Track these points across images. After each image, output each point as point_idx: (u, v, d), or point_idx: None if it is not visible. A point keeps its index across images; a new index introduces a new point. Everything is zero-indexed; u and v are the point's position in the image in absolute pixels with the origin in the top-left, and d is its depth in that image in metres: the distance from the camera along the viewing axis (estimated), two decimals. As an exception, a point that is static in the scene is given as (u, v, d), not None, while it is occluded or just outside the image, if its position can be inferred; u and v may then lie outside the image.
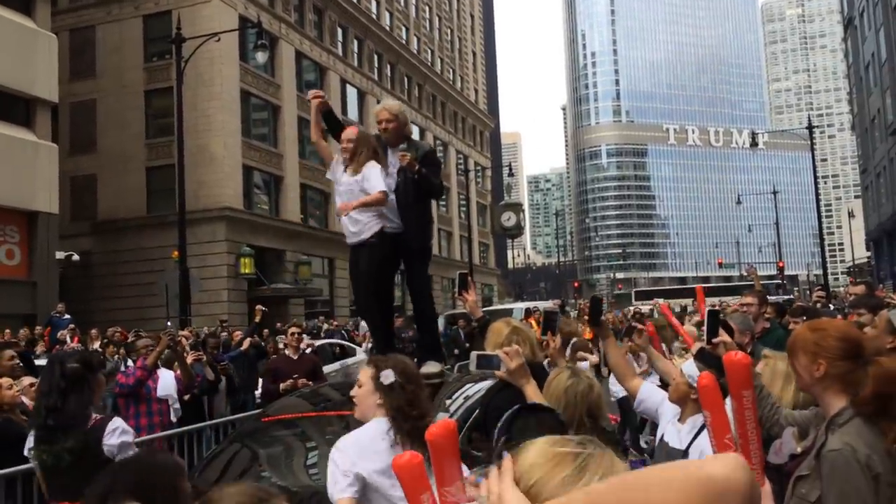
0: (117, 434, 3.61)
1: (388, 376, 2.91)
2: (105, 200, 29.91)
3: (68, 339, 15.08)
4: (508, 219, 45.17)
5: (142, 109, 30.04)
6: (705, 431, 2.87)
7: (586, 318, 4.57)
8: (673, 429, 3.24)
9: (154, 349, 6.36)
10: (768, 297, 7.38)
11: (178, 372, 6.64)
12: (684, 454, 2.43)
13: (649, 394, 3.46)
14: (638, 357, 9.99)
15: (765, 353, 3.62)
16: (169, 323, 14.86)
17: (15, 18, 21.71)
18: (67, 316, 17.44)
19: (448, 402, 4.15)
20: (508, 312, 21.07)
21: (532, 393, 2.94)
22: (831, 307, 13.32)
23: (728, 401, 2.55)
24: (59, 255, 23.62)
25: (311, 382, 7.37)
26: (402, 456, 1.96)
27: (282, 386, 7.39)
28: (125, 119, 29.76)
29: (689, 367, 3.16)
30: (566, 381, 2.79)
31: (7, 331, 14.66)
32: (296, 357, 8.12)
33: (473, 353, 3.11)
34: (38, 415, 3.65)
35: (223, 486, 1.93)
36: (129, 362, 8.38)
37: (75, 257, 25.82)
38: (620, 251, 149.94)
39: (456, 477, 2.03)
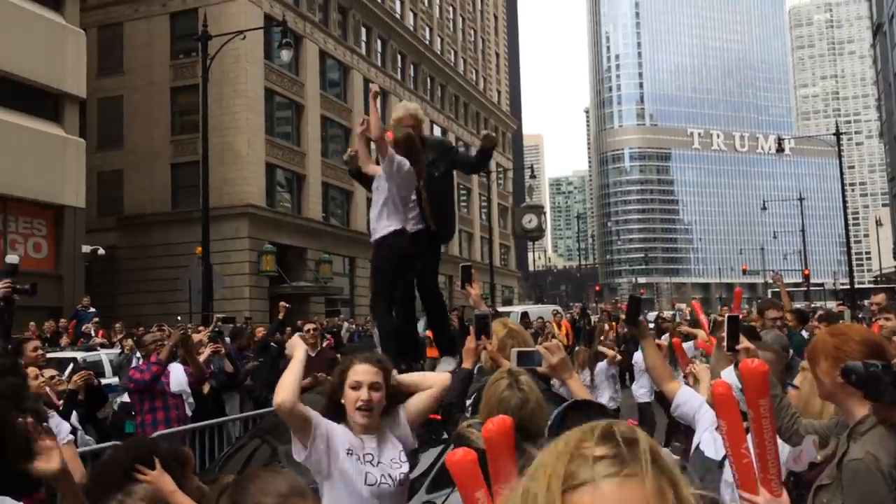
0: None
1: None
2: (131, 196, 30.26)
3: (92, 333, 15.26)
4: (530, 221, 45.10)
5: (168, 106, 30.35)
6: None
7: (623, 317, 4.52)
8: (710, 437, 3.10)
9: (165, 344, 6.41)
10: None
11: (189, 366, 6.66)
12: (720, 465, 2.35)
13: (687, 398, 3.31)
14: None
15: (802, 365, 3.53)
16: (179, 318, 14.95)
17: (45, 14, 22.02)
18: (93, 309, 17.62)
19: (468, 401, 4.13)
20: (504, 315, 20.70)
21: (576, 388, 2.89)
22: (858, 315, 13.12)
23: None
24: (86, 248, 23.93)
25: (329, 377, 7.38)
26: (455, 453, 1.93)
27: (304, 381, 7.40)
28: (152, 115, 30.09)
29: (728, 375, 3.06)
30: (501, 391, 2.70)
31: (32, 323, 14.84)
32: (314, 353, 8.13)
33: (514, 350, 3.07)
34: None
35: (263, 472, 1.94)
36: (139, 356, 8.44)
37: (101, 251, 26.12)
38: (643, 255, 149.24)
39: (512, 474, 2.00)
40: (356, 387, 2.88)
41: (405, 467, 2.94)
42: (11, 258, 5.14)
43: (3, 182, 20.27)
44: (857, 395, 2.27)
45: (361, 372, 2.90)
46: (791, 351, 4.55)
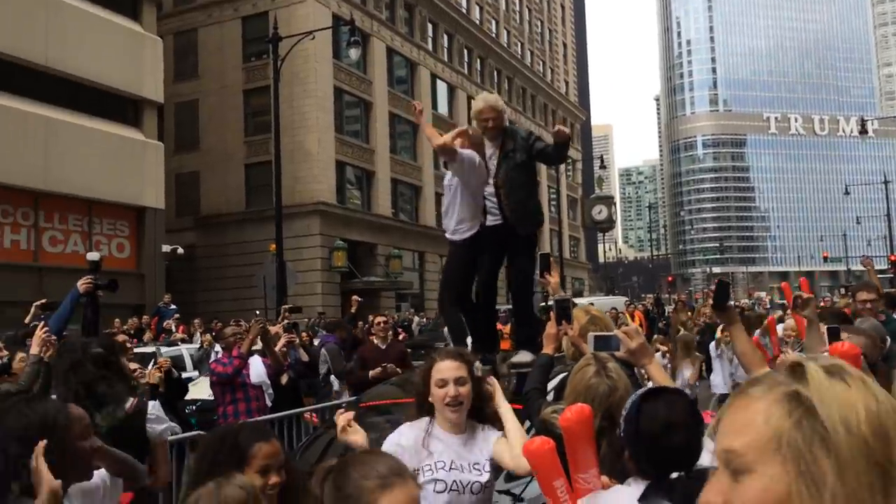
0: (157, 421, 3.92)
1: (479, 368, 2.98)
2: (207, 196, 31.16)
3: (174, 329, 15.78)
4: (599, 212, 44.41)
5: (241, 108, 31.11)
6: None
7: (711, 303, 4.39)
8: None
9: (245, 337, 6.57)
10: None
11: (268, 358, 6.82)
12: None
13: None
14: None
15: None
16: (258, 311, 15.29)
17: (123, 23, 22.83)
18: (173, 306, 18.21)
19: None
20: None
21: (656, 373, 2.82)
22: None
23: None
24: (165, 248, 24.76)
25: (399, 369, 7.45)
26: (533, 441, 1.91)
27: (371, 373, 7.50)
28: (225, 118, 30.89)
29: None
30: (589, 378, 2.64)
31: (117, 320, 15.44)
32: (384, 346, 8.20)
33: (591, 335, 3.01)
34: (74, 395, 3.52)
35: (363, 455, 1.98)
36: (218, 349, 8.66)
37: (180, 251, 26.98)
38: (717, 245, 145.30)
39: (591, 463, 1.97)
40: (442, 384, 2.90)
41: (485, 476, 2.90)
42: (93, 255, 5.33)
43: (88, 185, 21.15)
44: None
45: (445, 369, 2.92)
46: (889, 339, 4.30)
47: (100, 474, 2.64)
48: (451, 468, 2.84)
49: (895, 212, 48.08)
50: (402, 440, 2.90)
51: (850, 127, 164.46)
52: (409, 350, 9.30)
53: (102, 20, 21.90)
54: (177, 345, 14.04)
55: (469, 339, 5.22)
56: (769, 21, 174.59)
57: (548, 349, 3.31)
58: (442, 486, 2.81)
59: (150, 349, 13.12)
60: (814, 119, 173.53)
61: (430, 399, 2.94)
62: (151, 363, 6.03)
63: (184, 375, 8.53)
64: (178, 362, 12.36)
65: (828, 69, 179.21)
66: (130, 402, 3.60)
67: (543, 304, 3.51)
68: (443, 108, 39.82)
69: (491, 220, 5.06)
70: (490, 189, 5.06)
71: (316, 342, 11.61)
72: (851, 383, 0.85)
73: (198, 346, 13.93)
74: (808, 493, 0.80)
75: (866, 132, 41.54)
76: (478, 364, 3.08)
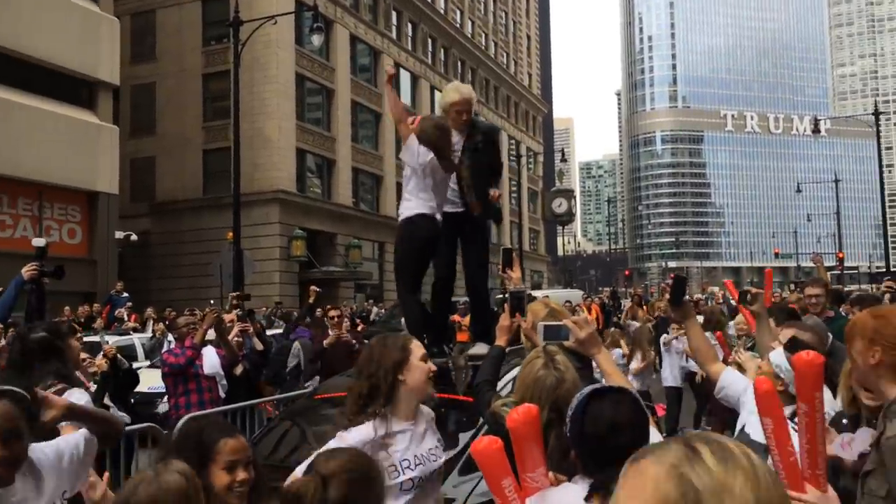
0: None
1: None
2: (163, 182, 30.60)
3: (125, 317, 15.49)
4: (560, 205, 44.66)
5: (199, 93, 30.58)
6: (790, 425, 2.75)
7: (667, 297, 4.41)
8: (756, 420, 3.02)
9: (197, 327, 6.47)
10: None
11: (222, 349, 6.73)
12: (767, 449, 2.30)
13: (732, 381, 3.21)
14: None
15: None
16: (213, 301, 15.08)
17: (79, 2, 22.24)
18: (125, 294, 17.85)
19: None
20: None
21: (604, 363, 2.82)
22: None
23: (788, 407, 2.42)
24: (119, 234, 24.28)
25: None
26: (480, 441, 1.90)
27: (325, 342, 7.96)
28: (184, 102, 30.34)
29: (777, 357, 2.98)
30: (537, 371, 2.63)
31: (66, 308, 15.10)
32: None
33: (540, 324, 3.00)
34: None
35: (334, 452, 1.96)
36: (171, 339, 8.53)
37: (134, 237, 26.49)
38: (673, 239, 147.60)
39: (539, 462, 1.97)
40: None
41: (441, 458, 2.90)
42: (38, 241, 5.20)
43: (39, 169, 20.61)
44: (888, 376, 2.27)
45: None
46: (831, 336, 4.41)
47: (72, 438, 2.54)
48: (416, 465, 2.79)
49: (844, 210, 49.41)
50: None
51: (804, 126, 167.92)
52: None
53: (56, -1, 21.32)
54: (128, 334, 13.78)
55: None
56: (728, 20, 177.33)
57: (500, 341, 3.30)
58: (409, 485, 2.75)
59: (97, 338, 12.87)
60: (769, 117, 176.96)
61: (399, 382, 2.82)
62: (101, 354, 5.90)
63: (135, 366, 8.38)
64: (129, 352, 12.13)
65: (784, 68, 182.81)
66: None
67: (501, 296, 3.50)
68: (406, 98, 39.64)
69: (450, 209, 5.01)
70: (453, 180, 5.02)
71: (271, 332, 11.48)
72: (738, 475, 0.89)
73: (150, 335, 13.69)
74: None
75: (819, 131, 42.44)
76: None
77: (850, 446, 2.49)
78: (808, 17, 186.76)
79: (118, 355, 6.05)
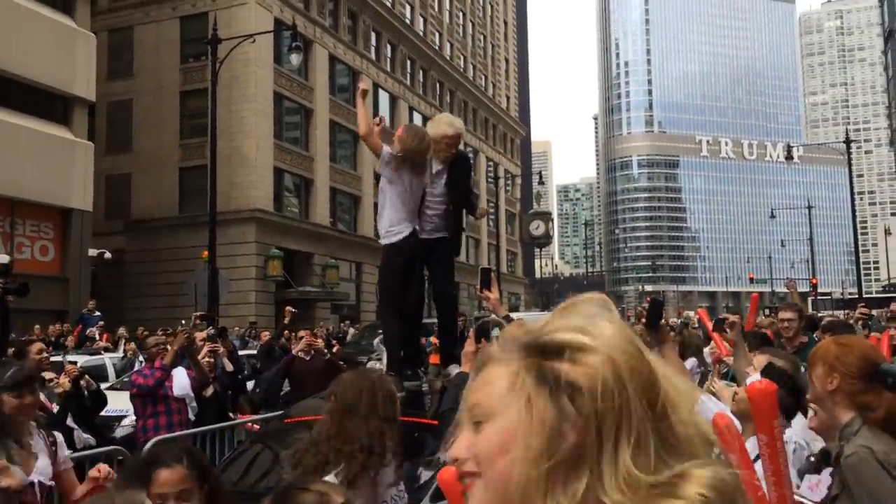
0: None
1: None
2: (139, 199, 30.30)
3: (97, 336, 15.25)
4: (537, 227, 44.84)
5: (177, 110, 30.42)
6: None
7: (643, 321, 4.41)
8: None
9: (169, 348, 6.36)
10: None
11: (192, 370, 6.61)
12: None
13: (706, 409, 3.19)
14: None
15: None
16: (184, 321, 14.88)
17: (56, 18, 22.10)
18: (98, 313, 17.62)
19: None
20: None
21: None
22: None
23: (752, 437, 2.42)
24: (92, 252, 23.95)
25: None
26: (446, 471, 1.86)
27: (296, 349, 7.84)
28: (160, 119, 30.15)
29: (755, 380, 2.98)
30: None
31: (37, 326, 14.83)
32: (308, 358, 8.26)
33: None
34: None
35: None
36: (141, 359, 8.39)
37: (108, 255, 26.16)
38: (650, 263, 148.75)
39: None
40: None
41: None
42: (2, 258, 5.09)
43: (11, 184, 20.31)
44: (843, 403, 2.33)
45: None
46: (803, 367, 4.41)
47: None
48: None
49: (817, 236, 50.11)
50: None
51: (777, 152, 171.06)
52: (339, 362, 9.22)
53: (33, 13, 21.15)
54: (99, 353, 13.53)
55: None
56: (703, 47, 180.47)
57: (465, 367, 3.26)
58: None
59: (71, 357, 12.63)
60: (743, 143, 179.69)
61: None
62: (64, 374, 5.77)
63: (106, 386, 8.21)
64: (100, 372, 11.91)
65: (757, 96, 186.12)
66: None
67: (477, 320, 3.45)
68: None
69: (433, 235, 5.05)
70: (437, 202, 5.04)
71: (244, 353, 11.33)
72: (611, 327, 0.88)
73: (121, 355, 13.47)
74: (530, 426, 0.82)
75: (792, 158, 43.24)
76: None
77: (817, 488, 2.51)
78: (780, 47, 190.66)
79: (86, 376, 5.91)
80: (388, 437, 2.68)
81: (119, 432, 8.56)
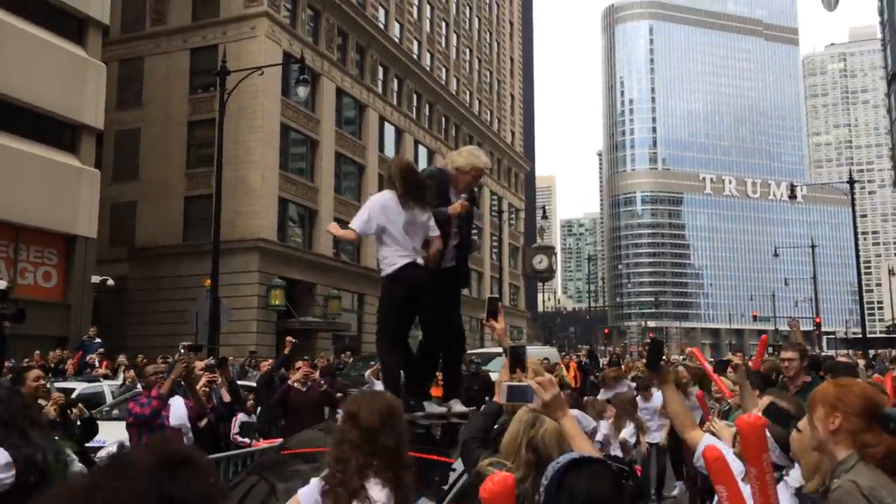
0: None
1: None
2: (144, 227, 30.42)
3: (97, 363, 15.20)
4: (540, 262, 44.94)
5: (184, 140, 30.66)
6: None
7: (644, 361, 4.37)
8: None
9: (167, 376, 6.31)
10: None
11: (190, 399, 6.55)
12: None
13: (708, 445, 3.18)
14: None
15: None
16: (182, 350, 14.80)
17: (67, 47, 22.39)
18: (98, 340, 17.58)
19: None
20: (490, 356, 20.26)
21: (570, 428, 2.75)
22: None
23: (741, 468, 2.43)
24: (95, 279, 23.96)
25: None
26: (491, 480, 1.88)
27: (292, 379, 7.85)
28: (168, 149, 30.38)
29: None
30: (523, 412, 2.73)
31: (37, 352, 14.79)
32: (304, 389, 8.27)
33: (505, 384, 2.92)
34: None
35: None
36: (139, 387, 8.35)
37: (110, 282, 26.17)
38: (653, 299, 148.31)
39: None
40: None
41: None
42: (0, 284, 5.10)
43: (16, 210, 20.42)
44: (844, 441, 2.34)
45: None
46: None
47: None
48: None
49: (821, 275, 49.99)
50: None
51: (781, 191, 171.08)
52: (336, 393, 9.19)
53: (45, 42, 21.44)
54: (98, 380, 13.47)
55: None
56: (707, 87, 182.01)
57: (498, 398, 3.16)
58: None
59: (70, 384, 12.57)
60: (746, 182, 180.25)
61: None
62: (50, 402, 5.71)
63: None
64: (98, 399, 11.85)
65: (761, 135, 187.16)
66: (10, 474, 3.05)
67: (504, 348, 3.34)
68: (389, 151, 39.99)
69: (447, 264, 5.05)
70: (453, 233, 5.05)
71: (242, 383, 11.26)
72: None
73: (120, 382, 13.41)
74: None
75: (795, 197, 43.33)
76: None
77: None
78: (784, 87, 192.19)
79: (79, 404, 5.86)
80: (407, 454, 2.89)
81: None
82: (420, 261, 4.76)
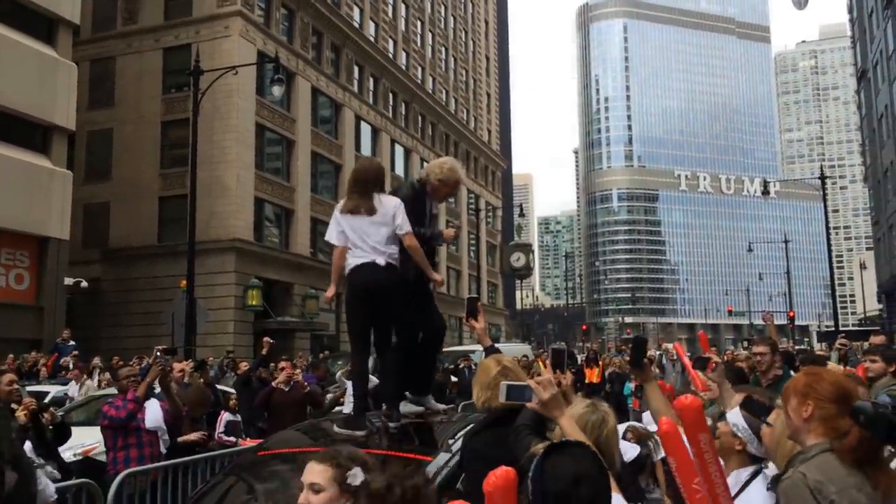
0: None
1: (356, 476, 2.38)
2: (117, 228, 30.08)
3: (71, 366, 15.01)
4: (518, 259, 45.09)
5: (158, 140, 30.36)
6: (751, 486, 2.76)
7: (628, 359, 4.42)
8: None
9: (141, 379, 6.26)
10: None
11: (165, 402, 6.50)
12: None
13: None
14: None
15: (777, 402, 3.49)
16: (159, 352, 14.70)
17: (37, 47, 22.07)
18: (72, 342, 17.38)
19: (451, 441, 4.04)
20: (466, 353, 20.64)
21: (568, 427, 2.77)
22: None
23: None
24: (68, 281, 23.67)
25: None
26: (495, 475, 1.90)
27: (276, 381, 7.65)
28: (141, 149, 30.07)
29: (733, 417, 2.97)
30: (582, 408, 2.74)
31: (10, 356, 14.59)
32: (287, 389, 8.28)
33: (503, 384, 2.92)
34: None
35: None
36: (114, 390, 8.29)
37: (84, 284, 25.87)
38: (630, 295, 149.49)
39: None
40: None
41: None
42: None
43: (-12, 212, 20.11)
44: (816, 429, 2.34)
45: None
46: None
47: None
48: None
49: (794, 270, 50.64)
50: None
51: (754, 187, 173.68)
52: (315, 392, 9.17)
53: (14, 42, 21.11)
54: (68, 383, 13.30)
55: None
56: (681, 84, 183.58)
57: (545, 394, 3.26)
58: None
59: (43, 388, 12.42)
60: (721, 178, 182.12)
61: None
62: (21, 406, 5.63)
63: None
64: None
65: (734, 132, 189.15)
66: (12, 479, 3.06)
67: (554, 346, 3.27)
68: (366, 150, 39.92)
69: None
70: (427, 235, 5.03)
71: (221, 387, 11.21)
72: None
73: (95, 384, 13.25)
74: None
75: (768, 193, 43.92)
76: (353, 472, 2.44)
77: None
78: (756, 85, 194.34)
79: (51, 408, 5.80)
80: None
81: None
82: (381, 261, 4.55)
